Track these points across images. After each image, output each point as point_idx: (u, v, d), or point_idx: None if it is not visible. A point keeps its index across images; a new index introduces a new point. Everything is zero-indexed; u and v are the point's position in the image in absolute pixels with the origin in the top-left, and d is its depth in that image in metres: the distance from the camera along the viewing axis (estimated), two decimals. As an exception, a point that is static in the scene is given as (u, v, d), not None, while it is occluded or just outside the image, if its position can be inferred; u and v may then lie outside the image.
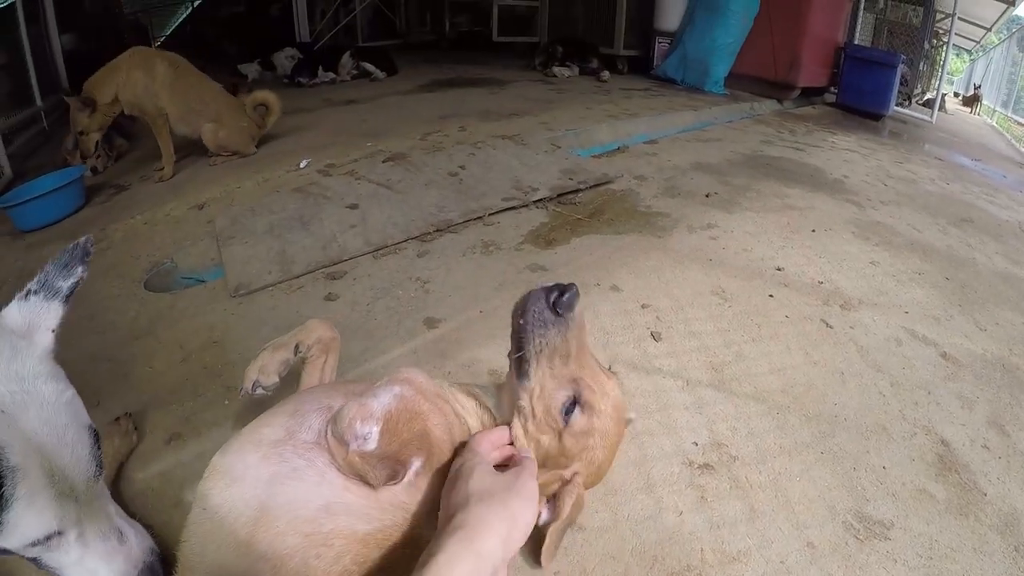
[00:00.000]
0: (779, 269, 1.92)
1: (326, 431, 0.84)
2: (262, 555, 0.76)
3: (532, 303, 0.91)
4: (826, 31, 4.87)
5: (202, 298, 1.96)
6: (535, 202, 2.31)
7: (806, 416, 1.34)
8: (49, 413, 0.76)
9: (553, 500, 0.91)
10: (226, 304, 1.88)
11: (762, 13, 4.56)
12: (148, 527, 1.08)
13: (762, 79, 4.61)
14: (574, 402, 0.90)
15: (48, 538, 0.72)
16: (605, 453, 0.93)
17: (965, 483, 1.26)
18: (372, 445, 0.80)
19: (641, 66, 5.27)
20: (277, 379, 1.09)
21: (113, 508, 0.83)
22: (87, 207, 2.91)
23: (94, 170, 3.01)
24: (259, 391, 1.08)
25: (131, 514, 1.24)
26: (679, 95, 4.11)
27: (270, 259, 2.07)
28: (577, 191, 2.43)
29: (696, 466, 1.18)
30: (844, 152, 3.25)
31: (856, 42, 5.38)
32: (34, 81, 3.86)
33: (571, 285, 0.91)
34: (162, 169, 3.08)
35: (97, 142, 3.02)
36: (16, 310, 0.83)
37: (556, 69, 5.09)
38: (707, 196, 2.41)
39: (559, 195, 2.37)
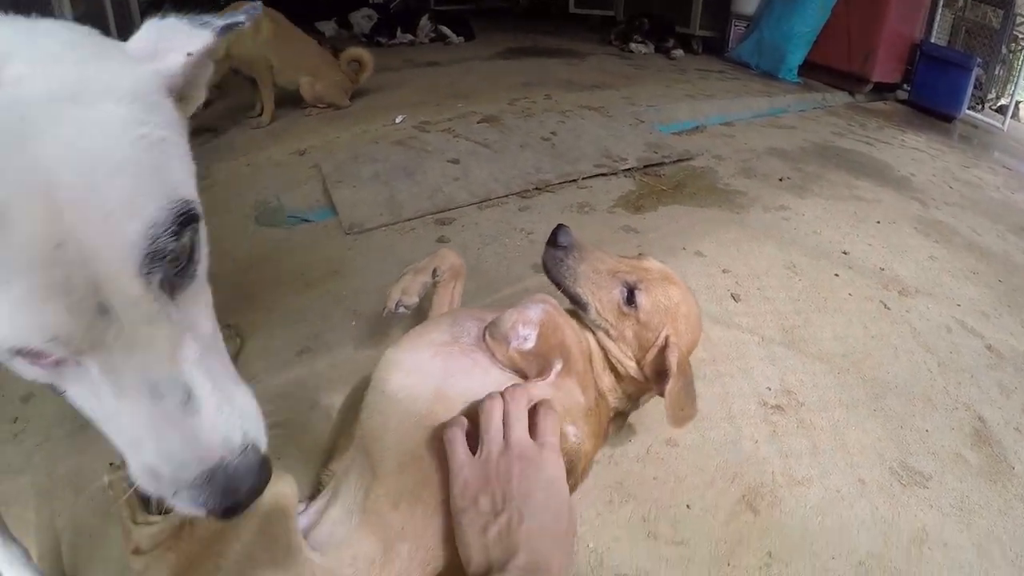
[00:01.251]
0: (845, 253, 2.06)
1: (485, 333, 1.03)
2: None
3: (546, 259, 1.13)
4: (903, 26, 4.81)
5: (316, 234, 2.13)
6: (624, 171, 2.46)
7: (863, 378, 1.50)
8: (95, 151, 0.44)
9: (662, 372, 1.05)
10: (341, 240, 2.06)
11: (840, 3, 4.53)
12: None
13: (836, 70, 4.60)
14: (629, 290, 1.07)
15: (34, 353, 0.45)
16: (684, 307, 1.09)
17: (997, 455, 1.39)
18: (530, 344, 0.99)
19: (715, 47, 5.29)
20: (417, 299, 1.23)
21: (197, 353, 0.52)
22: None
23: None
24: (401, 310, 1.20)
25: (271, 419, 1.46)
26: (753, 80, 4.17)
27: (379, 203, 2.23)
28: (661, 164, 2.57)
29: (769, 406, 1.37)
30: (912, 151, 3.31)
31: (932, 40, 5.29)
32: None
33: (558, 225, 1.13)
34: (259, 116, 3.29)
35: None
36: (146, 31, 0.56)
37: (633, 45, 5.15)
38: (780, 180, 2.54)
39: (645, 166, 2.52)
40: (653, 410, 1.30)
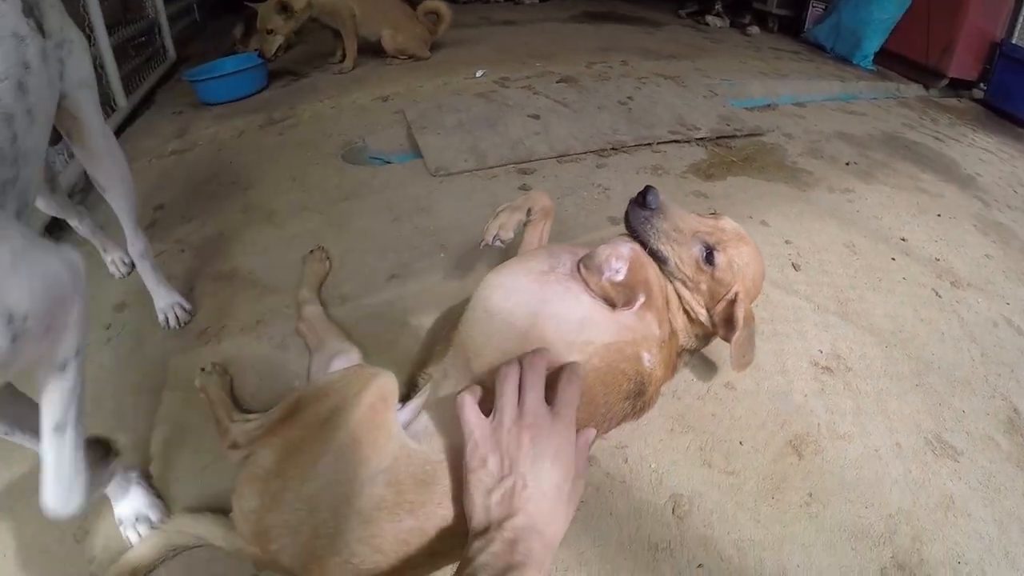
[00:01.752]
0: (903, 240, 2.07)
1: (579, 264, 1.12)
2: (538, 344, 1.00)
3: (631, 216, 1.18)
4: (985, 23, 4.56)
5: (402, 174, 2.21)
6: (696, 140, 2.49)
7: (908, 355, 1.54)
8: None
9: (730, 322, 1.16)
10: (427, 181, 2.13)
11: None
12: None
13: (911, 61, 4.43)
14: (708, 249, 1.15)
15: None
16: (753, 266, 1.17)
17: (1028, 446, 1.45)
18: (621, 276, 1.08)
19: (791, 27, 5.13)
20: (513, 235, 1.29)
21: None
22: (268, 90, 3.20)
23: (261, 55, 3.22)
24: (498, 243, 1.26)
25: (361, 334, 1.46)
26: (827, 63, 4.06)
27: (464, 149, 2.29)
28: (733, 137, 2.58)
29: (819, 366, 1.43)
30: (981, 151, 3.22)
31: (1014, 41, 5.04)
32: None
33: (647, 187, 1.17)
34: (341, 63, 3.37)
35: (280, 46, 3.21)
36: None
37: (710, 17, 5.04)
38: (847, 164, 2.52)
39: (717, 137, 2.53)
40: (715, 356, 1.39)
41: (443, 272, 1.66)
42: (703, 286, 1.16)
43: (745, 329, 1.15)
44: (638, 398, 1.07)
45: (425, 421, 1.01)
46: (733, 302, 1.15)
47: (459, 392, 0.88)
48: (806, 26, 5.00)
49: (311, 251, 1.70)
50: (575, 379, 0.86)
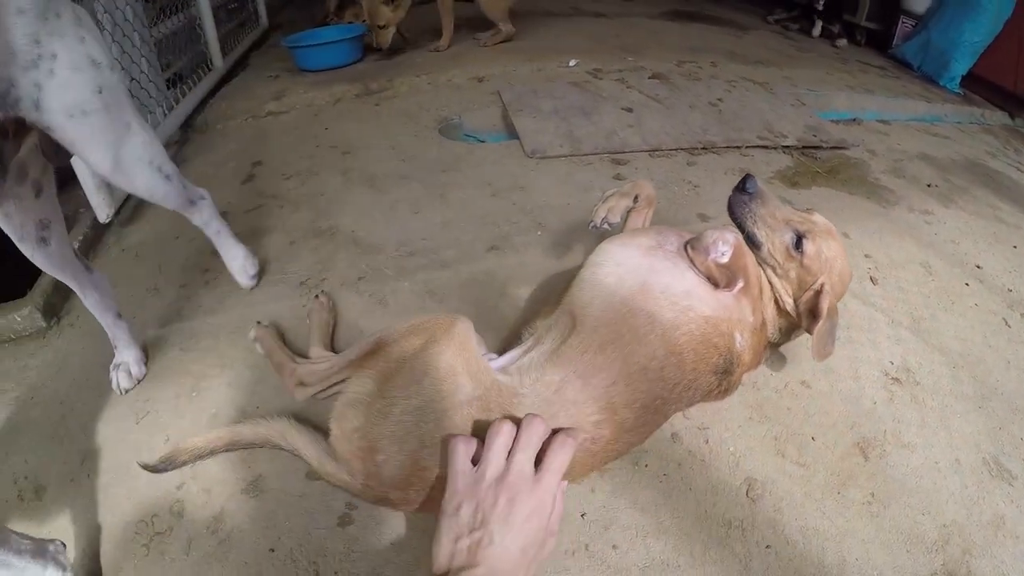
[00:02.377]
0: (978, 267, 2.01)
1: (687, 245, 1.16)
2: (642, 308, 1.06)
3: (732, 201, 1.22)
4: (1080, 56, 4.29)
5: (499, 153, 2.24)
6: (783, 147, 2.44)
7: (974, 378, 1.52)
8: None
9: (814, 312, 1.18)
10: (524, 162, 2.16)
11: (1015, 18, 4.06)
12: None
13: (998, 87, 4.18)
14: (798, 237, 1.17)
15: None
16: (839, 261, 1.19)
17: (1084, 481, 1.42)
18: (725, 259, 1.12)
19: (879, 41, 4.91)
20: (619, 220, 1.32)
21: None
22: (363, 62, 3.24)
23: (378, 47, 3.26)
24: (605, 226, 1.30)
25: (462, 299, 1.50)
26: (914, 82, 3.88)
27: (559, 135, 2.31)
28: (818, 148, 2.51)
29: (889, 377, 1.43)
30: (1064, 187, 3.08)
31: (1109, 77, 4.70)
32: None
33: (747, 174, 1.19)
34: (438, 40, 3.40)
35: (392, 36, 3.25)
36: None
37: (819, 22, 4.84)
38: (928, 186, 2.44)
39: (803, 147, 2.48)
40: (794, 353, 1.40)
41: (541, 249, 1.70)
42: (792, 274, 1.19)
43: (828, 321, 1.17)
44: (725, 376, 1.11)
45: (525, 364, 1.08)
46: (819, 293, 1.18)
47: (455, 435, 0.89)
48: (894, 42, 4.76)
49: (315, 296, 1.47)
50: (568, 446, 0.84)
